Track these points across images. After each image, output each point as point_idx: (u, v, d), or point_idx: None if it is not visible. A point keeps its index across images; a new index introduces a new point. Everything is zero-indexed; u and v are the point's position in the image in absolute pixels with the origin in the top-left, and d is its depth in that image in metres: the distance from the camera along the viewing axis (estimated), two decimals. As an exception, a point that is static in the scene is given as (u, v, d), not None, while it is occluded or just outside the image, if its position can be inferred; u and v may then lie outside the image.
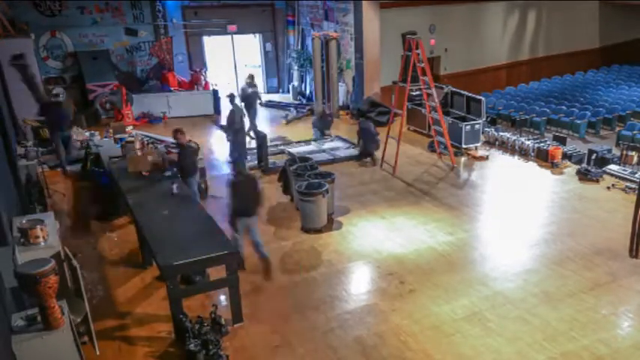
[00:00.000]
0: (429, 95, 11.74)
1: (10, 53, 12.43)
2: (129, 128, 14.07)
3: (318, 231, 8.77)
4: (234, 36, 18.08)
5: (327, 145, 12.95)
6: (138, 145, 8.94)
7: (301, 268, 7.74)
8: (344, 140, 13.26)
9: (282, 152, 12.46)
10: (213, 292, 6.97)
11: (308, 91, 17.68)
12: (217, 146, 13.36)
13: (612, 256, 7.80)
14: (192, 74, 17.08)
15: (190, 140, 9.00)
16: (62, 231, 7.83)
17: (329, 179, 9.08)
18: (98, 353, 5.93)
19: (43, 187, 9.70)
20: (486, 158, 12.09)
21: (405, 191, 10.44)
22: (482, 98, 12.95)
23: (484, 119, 12.97)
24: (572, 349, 5.93)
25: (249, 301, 6.81)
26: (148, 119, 15.62)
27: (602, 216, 9.13)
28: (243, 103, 13.01)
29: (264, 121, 15.54)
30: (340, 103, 15.90)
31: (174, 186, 7.66)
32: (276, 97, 18.01)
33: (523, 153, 12.17)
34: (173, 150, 12.04)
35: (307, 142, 13.25)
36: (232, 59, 18.41)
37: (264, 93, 18.73)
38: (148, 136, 12.12)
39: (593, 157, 11.12)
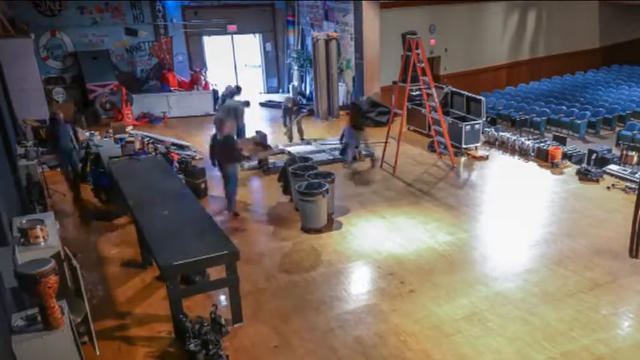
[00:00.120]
0: (429, 95, 11.74)
1: (10, 53, 12.40)
2: (129, 128, 14.08)
3: (318, 231, 8.77)
4: (234, 36, 18.10)
5: (328, 144, 12.94)
6: (138, 145, 8.96)
7: (301, 268, 7.74)
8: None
9: (282, 152, 12.46)
10: (213, 292, 6.97)
11: (308, 91, 17.68)
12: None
13: (612, 256, 7.80)
14: (192, 74, 17.08)
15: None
16: (62, 231, 7.83)
17: (329, 179, 9.08)
18: (98, 353, 5.93)
19: (43, 187, 9.70)
20: (486, 158, 12.10)
21: (405, 191, 10.44)
22: (482, 98, 12.94)
23: (484, 119, 12.97)
24: (572, 349, 5.93)
25: (249, 301, 6.82)
26: (148, 119, 15.63)
27: (602, 216, 9.13)
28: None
29: (264, 121, 15.57)
30: (340, 103, 15.91)
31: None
32: (276, 97, 18.01)
33: (523, 153, 12.17)
34: (173, 150, 12.10)
35: (307, 142, 13.24)
36: (232, 59, 18.42)
37: (264, 93, 18.76)
38: (148, 136, 12.13)
39: (593, 157, 11.12)
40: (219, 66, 18.58)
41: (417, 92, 12.72)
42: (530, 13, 18.07)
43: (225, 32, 17.67)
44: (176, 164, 10.82)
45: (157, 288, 7.18)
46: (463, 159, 12.16)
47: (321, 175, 9.25)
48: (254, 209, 9.88)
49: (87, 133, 13.30)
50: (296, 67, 18.05)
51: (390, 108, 12.73)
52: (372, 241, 8.48)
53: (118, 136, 12.00)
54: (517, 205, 9.71)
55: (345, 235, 8.74)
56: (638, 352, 5.88)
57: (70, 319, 4.95)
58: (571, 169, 11.22)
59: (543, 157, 11.63)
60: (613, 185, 10.25)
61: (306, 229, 8.82)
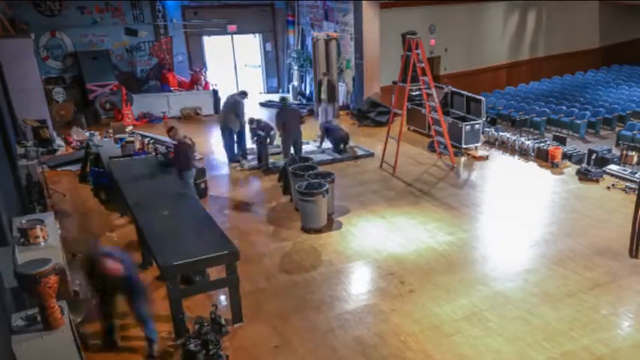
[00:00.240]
0: (429, 95, 11.74)
1: (10, 53, 12.41)
2: (129, 128, 14.07)
3: (318, 231, 8.77)
4: (234, 36, 18.10)
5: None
6: (138, 145, 8.97)
7: (301, 268, 7.74)
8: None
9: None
10: (214, 292, 6.97)
11: (308, 91, 17.68)
12: (217, 146, 13.36)
13: (612, 256, 7.80)
14: (192, 74, 17.08)
15: (186, 137, 9.12)
16: (63, 232, 7.82)
17: (329, 179, 9.08)
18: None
19: (43, 187, 9.70)
20: (486, 158, 12.10)
21: (405, 191, 10.44)
22: (482, 98, 12.94)
23: (484, 119, 12.96)
24: (572, 349, 5.93)
25: (249, 301, 6.81)
26: (148, 119, 15.63)
27: (602, 216, 9.13)
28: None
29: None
30: (340, 103, 15.92)
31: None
32: (276, 97, 18.00)
33: (523, 153, 12.17)
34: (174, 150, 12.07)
35: (307, 141, 13.23)
36: (232, 59, 18.42)
37: (264, 93, 18.77)
38: (148, 136, 12.12)
39: (593, 157, 11.12)
40: (219, 66, 18.59)
41: (417, 92, 12.72)
42: (530, 13, 18.07)
43: (225, 32, 17.67)
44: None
45: (157, 288, 7.16)
46: (463, 159, 12.16)
47: (321, 175, 9.25)
48: (254, 209, 9.87)
49: (87, 133, 13.31)
50: (296, 67, 18.05)
51: (389, 108, 12.74)
52: (372, 241, 8.48)
53: (118, 136, 11.99)
54: (517, 205, 9.71)
55: (345, 235, 8.74)
56: (638, 352, 5.89)
57: (70, 319, 4.95)
58: (571, 169, 11.22)
59: (543, 157, 11.63)
60: (613, 185, 10.25)
61: (306, 229, 8.82)
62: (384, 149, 11.74)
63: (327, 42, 15.00)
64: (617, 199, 9.79)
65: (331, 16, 16.27)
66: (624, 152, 10.92)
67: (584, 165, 11.09)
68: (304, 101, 17.38)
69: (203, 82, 16.80)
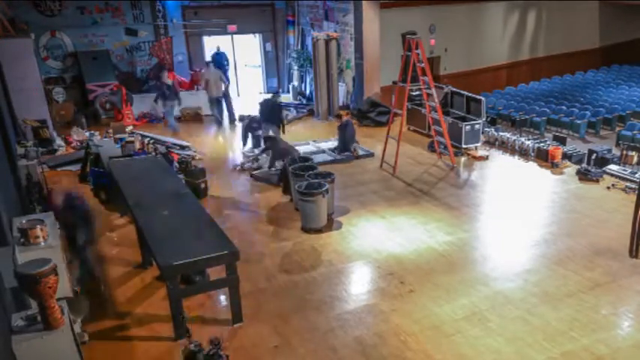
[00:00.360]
0: (429, 95, 11.74)
1: (10, 53, 12.41)
2: (129, 128, 14.08)
3: (318, 231, 8.77)
4: (234, 36, 18.10)
5: (327, 144, 12.94)
6: (138, 145, 8.96)
7: (301, 268, 7.74)
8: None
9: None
10: (214, 292, 6.97)
11: (308, 91, 17.68)
12: (217, 146, 13.37)
13: (612, 256, 7.79)
14: (192, 74, 17.08)
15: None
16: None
17: (329, 179, 9.08)
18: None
19: (43, 187, 9.69)
20: (486, 158, 12.10)
21: (405, 191, 10.44)
22: (482, 98, 12.94)
23: (484, 119, 12.96)
24: (572, 349, 5.93)
25: (249, 301, 6.81)
26: (148, 119, 15.63)
27: (602, 216, 9.13)
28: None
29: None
30: (340, 103, 15.92)
31: None
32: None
33: (523, 153, 12.17)
34: (174, 150, 12.10)
35: (306, 141, 13.24)
36: (232, 59, 18.42)
37: (264, 93, 18.76)
38: (148, 136, 12.13)
39: (593, 157, 11.12)
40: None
41: (417, 92, 12.71)
42: (530, 13, 18.08)
43: (225, 32, 17.67)
44: (176, 164, 10.82)
45: (157, 288, 7.17)
46: (463, 159, 12.16)
47: (321, 175, 9.25)
48: (254, 209, 9.87)
49: (87, 133, 13.31)
50: (296, 67, 18.05)
51: (389, 108, 12.74)
52: (372, 241, 8.48)
53: (117, 136, 12.00)
54: (517, 205, 9.71)
55: (345, 235, 8.74)
56: (638, 352, 5.88)
57: (70, 319, 4.95)
58: (571, 169, 11.22)
59: (543, 157, 11.63)
60: (613, 185, 10.25)
61: (306, 229, 8.82)
62: (384, 149, 11.74)
63: (327, 42, 15.05)
64: (617, 199, 9.79)
65: (331, 16, 16.28)
66: (624, 152, 10.92)
67: (584, 165, 11.09)
68: (304, 101, 17.37)
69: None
